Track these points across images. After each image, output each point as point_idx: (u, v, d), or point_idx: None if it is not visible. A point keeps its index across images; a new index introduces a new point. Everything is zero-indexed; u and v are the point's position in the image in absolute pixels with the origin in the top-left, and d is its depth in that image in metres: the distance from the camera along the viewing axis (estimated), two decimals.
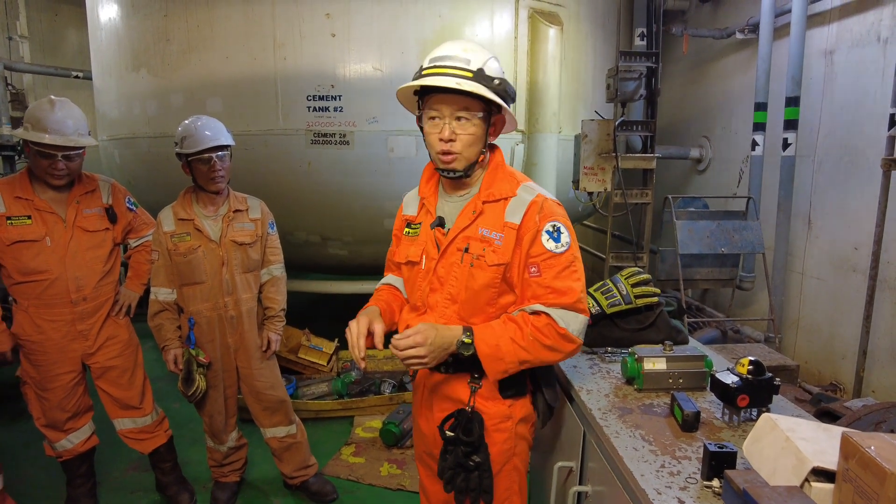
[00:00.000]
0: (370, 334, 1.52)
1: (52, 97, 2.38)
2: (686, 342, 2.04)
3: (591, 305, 2.00)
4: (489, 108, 1.45)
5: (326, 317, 5.55)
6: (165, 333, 2.54)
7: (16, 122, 6.29)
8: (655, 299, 2.03)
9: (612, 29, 4.88)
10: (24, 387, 2.55)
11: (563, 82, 4.12)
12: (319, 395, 3.84)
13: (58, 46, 7.68)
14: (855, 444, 0.97)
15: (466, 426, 1.48)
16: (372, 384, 3.97)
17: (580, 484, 1.63)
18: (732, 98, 4.88)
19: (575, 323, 1.45)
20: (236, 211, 2.57)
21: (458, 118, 1.43)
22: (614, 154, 4.14)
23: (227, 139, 2.47)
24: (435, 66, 1.41)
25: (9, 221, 2.32)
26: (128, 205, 2.66)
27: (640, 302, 2.01)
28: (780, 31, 4.15)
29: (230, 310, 2.56)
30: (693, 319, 4.41)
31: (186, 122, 2.47)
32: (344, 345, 4.33)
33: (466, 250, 1.50)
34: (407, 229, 1.67)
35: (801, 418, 1.33)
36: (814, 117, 3.95)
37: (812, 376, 3.96)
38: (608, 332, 2.02)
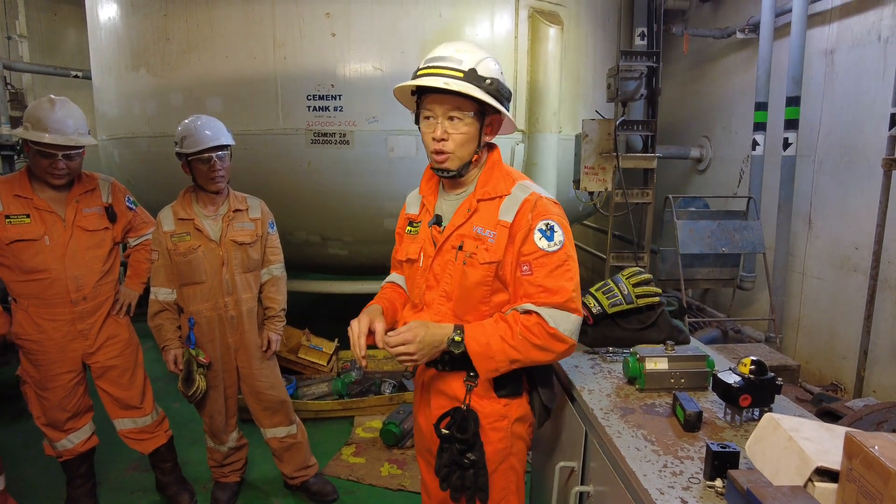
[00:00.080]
0: (371, 333, 1.53)
1: (52, 96, 2.38)
2: (687, 342, 2.03)
3: (592, 305, 2.00)
4: (482, 107, 1.45)
5: (326, 317, 5.54)
6: (165, 333, 2.54)
7: (15, 122, 6.28)
8: (657, 299, 2.02)
9: (613, 28, 4.88)
10: (24, 386, 2.55)
11: (563, 82, 4.12)
12: (320, 395, 3.83)
13: (57, 46, 7.67)
14: (858, 444, 0.97)
15: (461, 424, 1.49)
16: (372, 384, 3.97)
17: (582, 484, 1.62)
18: (732, 98, 4.88)
19: (566, 323, 1.45)
20: (236, 210, 2.57)
21: (451, 118, 1.44)
22: (615, 154, 4.14)
23: (227, 139, 2.47)
24: (428, 67, 1.43)
25: (7, 220, 2.31)
26: (128, 204, 2.66)
27: (642, 302, 2.01)
28: (781, 31, 4.15)
29: (230, 310, 2.56)
30: (694, 319, 4.41)
31: (186, 121, 2.47)
32: (344, 345, 4.33)
33: (460, 248, 1.51)
34: (409, 228, 1.69)
35: (804, 418, 1.32)
36: (814, 117, 3.95)
37: (813, 376, 3.96)
38: (609, 331, 2.01)
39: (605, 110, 4.67)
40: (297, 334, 4.18)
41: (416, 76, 1.45)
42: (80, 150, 2.39)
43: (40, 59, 7.29)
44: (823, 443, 1.12)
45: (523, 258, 1.47)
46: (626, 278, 2.05)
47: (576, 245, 1.66)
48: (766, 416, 1.23)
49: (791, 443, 1.13)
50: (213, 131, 2.44)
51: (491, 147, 1.59)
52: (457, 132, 1.45)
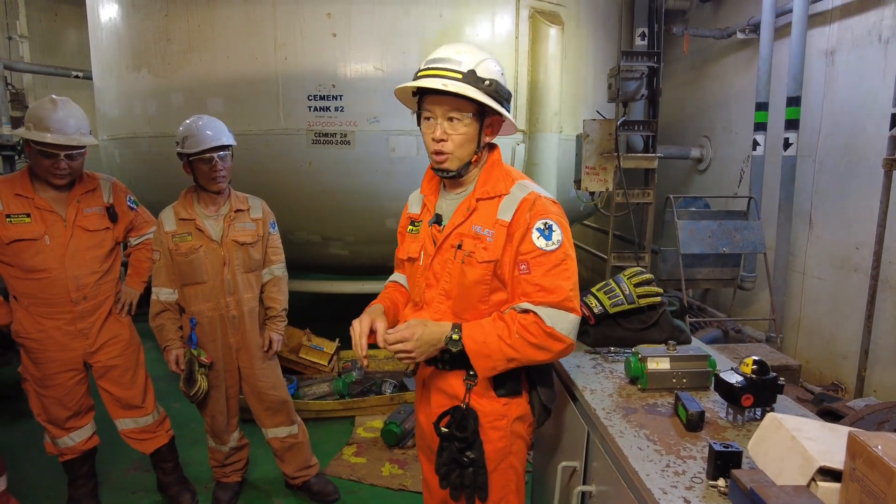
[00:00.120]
0: (373, 332, 1.54)
1: (54, 96, 2.38)
2: (689, 342, 2.04)
3: (594, 305, 2.00)
4: (482, 108, 1.46)
5: (327, 317, 5.54)
6: (167, 334, 2.53)
7: (15, 122, 6.28)
8: (658, 299, 2.03)
9: (613, 29, 4.88)
10: (25, 383, 2.55)
11: (563, 82, 4.12)
12: (321, 395, 3.83)
13: (57, 46, 7.68)
14: (862, 444, 0.97)
15: (461, 423, 1.50)
16: (373, 384, 3.97)
17: (584, 484, 1.62)
18: (733, 98, 4.89)
19: (563, 322, 1.45)
20: (237, 211, 2.57)
21: (450, 119, 1.45)
22: (616, 154, 4.14)
23: (228, 139, 2.47)
24: (428, 68, 1.44)
25: (8, 219, 2.31)
26: (129, 203, 2.66)
27: (643, 301, 2.01)
28: (781, 31, 4.16)
29: (232, 310, 2.56)
30: (694, 319, 4.41)
31: (188, 121, 2.47)
32: (345, 345, 4.34)
33: (459, 247, 1.52)
34: (410, 227, 1.70)
35: (807, 418, 1.32)
36: (815, 117, 3.95)
37: (813, 376, 3.96)
38: (611, 331, 2.02)
39: (605, 110, 4.67)
40: (298, 334, 4.18)
41: (416, 77, 1.46)
42: (82, 150, 2.39)
43: (41, 59, 7.29)
44: (826, 443, 1.12)
45: (521, 257, 1.47)
46: (628, 278, 2.05)
47: (576, 245, 1.67)
48: (769, 415, 1.23)
49: (794, 442, 1.13)
50: (215, 131, 2.44)
51: (492, 147, 1.60)
52: (456, 133, 1.46)
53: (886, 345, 3.37)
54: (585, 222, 6.53)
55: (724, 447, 1.20)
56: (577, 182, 4.36)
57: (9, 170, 5.86)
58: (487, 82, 1.43)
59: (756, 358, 1.50)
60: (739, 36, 4.51)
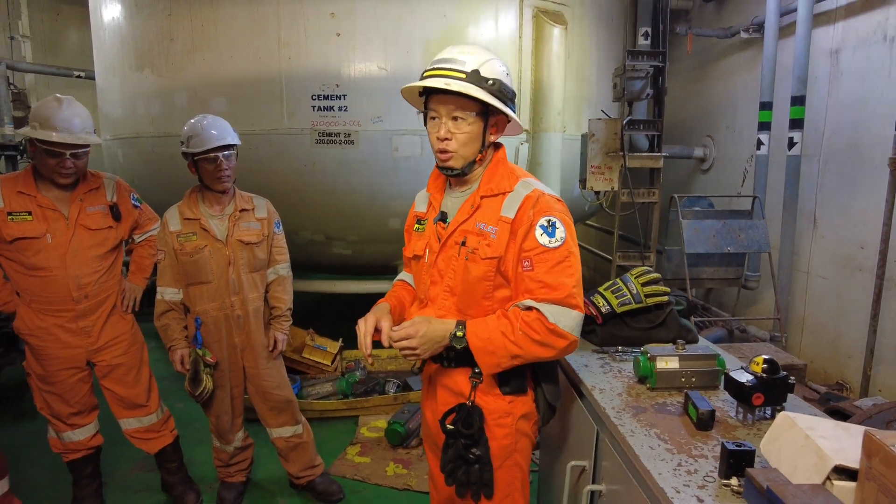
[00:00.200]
0: (378, 331, 1.56)
1: (59, 95, 2.37)
2: (696, 341, 2.03)
3: (601, 304, 2.00)
4: (486, 107, 1.47)
5: (331, 316, 5.53)
6: (172, 333, 2.53)
7: (17, 122, 6.28)
8: (665, 298, 2.03)
9: (616, 28, 4.87)
10: (30, 378, 2.55)
11: (567, 81, 4.11)
12: (324, 394, 3.83)
13: (59, 46, 7.68)
14: (878, 443, 0.96)
15: (466, 420, 1.50)
16: (376, 384, 3.96)
17: (594, 483, 1.62)
18: (736, 97, 4.88)
19: (566, 319, 1.45)
20: (242, 210, 2.56)
21: (455, 118, 1.47)
22: (621, 153, 4.14)
23: (233, 138, 2.46)
24: (433, 68, 1.47)
25: (9, 217, 2.31)
26: (133, 201, 2.66)
27: (651, 301, 2.01)
28: (785, 31, 4.15)
29: (237, 309, 2.56)
30: (699, 319, 4.41)
31: (192, 121, 2.47)
32: (348, 345, 4.33)
33: (463, 244, 1.53)
34: (417, 225, 1.72)
35: (819, 417, 1.32)
36: (819, 116, 3.94)
37: (818, 376, 3.95)
38: (619, 331, 2.01)
39: (608, 110, 4.67)
40: (302, 334, 4.18)
41: (422, 77, 1.48)
42: (87, 149, 2.39)
43: (43, 59, 7.29)
44: (840, 441, 1.12)
45: (524, 254, 1.48)
46: (635, 277, 2.05)
47: (579, 245, 1.68)
48: (782, 414, 1.23)
49: (808, 441, 1.13)
50: (219, 131, 2.44)
51: (497, 146, 1.61)
52: (460, 132, 1.47)
53: (892, 344, 3.37)
54: (588, 222, 6.52)
55: (736, 446, 1.19)
56: (583, 181, 4.36)
57: (11, 170, 5.87)
58: (491, 82, 1.44)
59: (766, 357, 1.50)
60: (743, 35, 4.50)
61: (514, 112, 1.52)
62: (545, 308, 1.44)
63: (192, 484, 2.86)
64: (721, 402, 1.60)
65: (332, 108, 3.71)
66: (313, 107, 3.71)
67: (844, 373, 3.76)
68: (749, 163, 4.66)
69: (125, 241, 2.71)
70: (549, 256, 1.46)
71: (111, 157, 4.81)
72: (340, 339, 4.26)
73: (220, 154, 2.40)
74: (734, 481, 1.18)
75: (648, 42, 4.74)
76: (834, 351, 3.86)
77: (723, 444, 1.21)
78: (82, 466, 2.66)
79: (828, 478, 1.05)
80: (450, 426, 1.52)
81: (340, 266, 4.61)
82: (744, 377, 1.48)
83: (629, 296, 2.00)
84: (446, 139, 1.48)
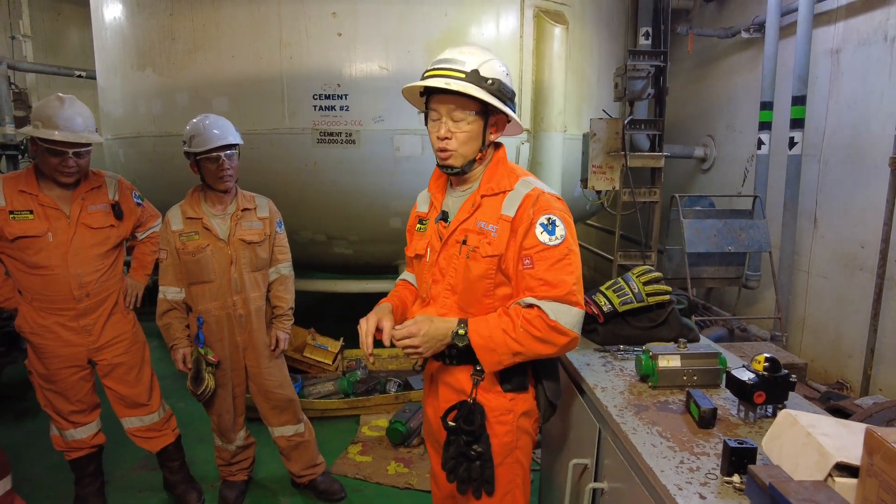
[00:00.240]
0: (379, 331, 1.58)
1: (60, 94, 2.38)
2: (697, 340, 2.04)
3: (603, 303, 2.01)
4: (485, 107, 1.49)
5: (332, 316, 5.54)
6: (174, 332, 2.54)
7: (19, 122, 6.29)
8: (667, 297, 2.03)
9: (616, 28, 4.88)
10: (32, 376, 2.56)
11: (568, 81, 4.11)
12: (325, 394, 3.83)
13: (60, 46, 7.69)
14: (880, 440, 0.97)
15: (468, 416, 1.52)
16: (377, 383, 3.97)
17: (596, 481, 1.62)
18: (737, 97, 4.89)
19: (567, 316, 1.46)
20: (244, 210, 2.57)
21: (455, 117, 1.49)
22: (623, 153, 4.15)
23: (235, 138, 2.47)
24: (433, 69, 1.49)
25: (11, 216, 2.32)
26: (135, 199, 2.67)
27: (652, 300, 2.01)
28: (786, 30, 4.15)
29: (239, 308, 2.56)
30: (700, 318, 4.42)
31: (195, 120, 2.47)
32: (349, 344, 4.34)
33: (464, 242, 1.55)
34: (418, 225, 1.73)
35: (821, 415, 1.32)
36: (820, 116, 3.95)
37: (818, 375, 3.96)
38: (620, 330, 2.02)
39: (609, 109, 4.68)
40: (303, 333, 4.18)
41: (423, 78, 1.50)
42: (89, 148, 2.40)
43: (44, 58, 7.30)
44: (842, 439, 1.13)
45: (525, 252, 1.49)
46: (637, 276, 2.06)
47: (580, 245, 1.70)
48: (784, 412, 1.23)
49: (809, 439, 1.13)
50: (222, 130, 2.44)
51: (497, 146, 1.63)
52: (459, 131, 1.49)
53: (892, 343, 3.37)
54: (588, 222, 6.53)
55: (738, 443, 1.20)
56: (584, 181, 4.36)
57: (12, 169, 5.87)
58: (490, 81, 1.46)
59: (768, 355, 1.50)
60: (744, 35, 4.51)
61: (514, 112, 1.54)
62: (546, 305, 1.45)
63: (193, 483, 2.87)
64: (722, 401, 1.61)
65: (333, 108, 3.71)
66: (314, 106, 3.71)
67: (845, 372, 3.76)
68: (749, 163, 4.66)
69: (126, 240, 2.71)
70: (549, 254, 1.47)
71: (112, 157, 4.81)
72: (341, 339, 4.27)
73: (222, 153, 2.41)
74: (736, 478, 1.18)
75: (649, 42, 4.75)
76: (834, 350, 3.87)
77: (725, 441, 1.21)
78: (85, 465, 2.67)
79: (829, 475, 1.06)
80: (451, 423, 1.53)
81: (341, 265, 4.62)
82: (745, 375, 1.48)
83: (631, 295, 2.01)
84: (446, 138, 1.50)
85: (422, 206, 1.76)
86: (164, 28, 3.98)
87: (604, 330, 2.02)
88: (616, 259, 4.55)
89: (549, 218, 1.49)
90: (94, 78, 5.09)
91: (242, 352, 2.62)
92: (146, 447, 2.74)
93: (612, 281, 2.09)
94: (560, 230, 1.48)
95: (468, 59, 1.47)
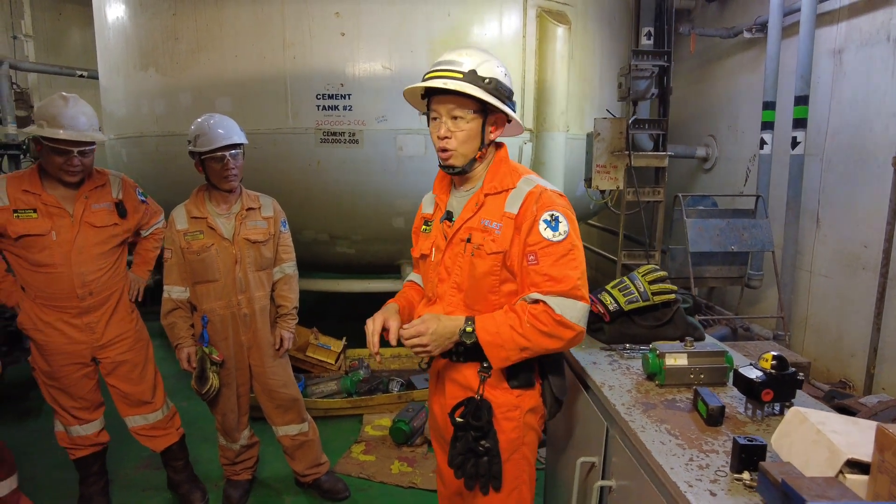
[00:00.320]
0: (386, 330, 1.60)
1: (64, 94, 2.38)
2: (703, 339, 2.04)
3: (609, 302, 2.01)
4: (484, 106, 1.52)
5: (334, 315, 5.55)
6: (178, 332, 2.54)
7: (21, 121, 6.29)
8: (672, 296, 2.03)
9: (619, 28, 4.88)
10: (35, 373, 2.56)
11: (570, 81, 4.12)
12: (328, 393, 3.84)
13: (62, 45, 7.70)
14: (891, 436, 0.97)
15: (475, 413, 1.53)
16: (380, 382, 3.97)
17: (603, 479, 1.63)
18: (738, 97, 4.89)
19: (572, 310, 1.48)
20: (249, 209, 2.57)
21: (454, 117, 1.52)
22: (627, 152, 4.15)
23: (240, 137, 2.47)
24: (433, 70, 1.52)
25: (15, 214, 2.32)
26: (139, 197, 2.67)
27: (658, 299, 2.02)
28: (789, 30, 4.16)
29: (243, 308, 2.56)
30: (703, 317, 4.42)
31: (199, 120, 2.48)
32: (352, 343, 4.34)
33: (469, 240, 1.57)
34: (424, 226, 1.76)
35: (830, 412, 1.33)
36: (822, 116, 3.95)
37: (821, 374, 3.96)
38: (626, 328, 2.02)
39: (612, 109, 4.68)
40: (306, 333, 4.19)
41: (423, 80, 1.53)
42: (93, 147, 2.40)
43: (45, 58, 7.31)
44: (851, 436, 1.13)
45: (529, 248, 1.51)
46: (643, 275, 2.06)
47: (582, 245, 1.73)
48: (793, 409, 1.23)
49: (820, 436, 1.13)
50: (226, 130, 2.45)
51: (498, 145, 1.66)
52: (459, 130, 1.52)
53: (895, 342, 3.37)
54: (590, 222, 6.53)
55: (748, 441, 1.20)
56: (588, 181, 4.37)
57: (14, 169, 5.87)
58: (487, 80, 1.49)
59: (775, 353, 1.51)
60: (746, 35, 4.51)
61: (514, 111, 1.56)
62: (551, 300, 1.47)
63: (197, 482, 2.87)
64: (729, 399, 1.61)
65: (336, 108, 3.71)
66: (318, 106, 3.72)
67: (847, 371, 3.76)
68: (751, 162, 4.67)
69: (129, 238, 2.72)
70: (553, 250, 1.49)
71: (115, 157, 4.81)
72: (344, 338, 4.27)
73: (227, 153, 2.41)
74: (746, 475, 1.19)
75: (651, 42, 4.75)
76: (837, 349, 3.87)
77: (734, 438, 1.22)
78: (90, 464, 2.67)
79: (840, 471, 1.06)
80: (459, 419, 1.54)
81: (344, 265, 4.62)
82: (753, 373, 1.48)
83: (636, 294, 2.01)
84: (446, 137, 1.52)
85: (427, 207, 1.78)
86: (167, 28, 3.98)
87: (610, 329, 2.02)
88: (620, 259, 4.56)
89: (553, 214, 1.51)
90: (96, 78, 5.09)
91: (247, 351, 2.62)
92: (150, 446, 2.74)
93: (618, 280, 2.10)
94: (563, 226, 1.51)
95: (465, 59, 1.50)
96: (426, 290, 1.73)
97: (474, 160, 1.57)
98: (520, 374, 1.59)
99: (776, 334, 4.08)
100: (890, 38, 3.44)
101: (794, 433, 1.21)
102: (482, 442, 1.52)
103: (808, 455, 1.14)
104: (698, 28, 4.95)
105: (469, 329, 1.51)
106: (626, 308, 2.00)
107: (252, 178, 3.13)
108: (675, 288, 2.04)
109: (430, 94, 1.55)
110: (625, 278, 2.08)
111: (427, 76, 1.52)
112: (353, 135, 3.75)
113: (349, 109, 3.72)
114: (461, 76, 1.47)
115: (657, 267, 2.11)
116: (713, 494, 1.15)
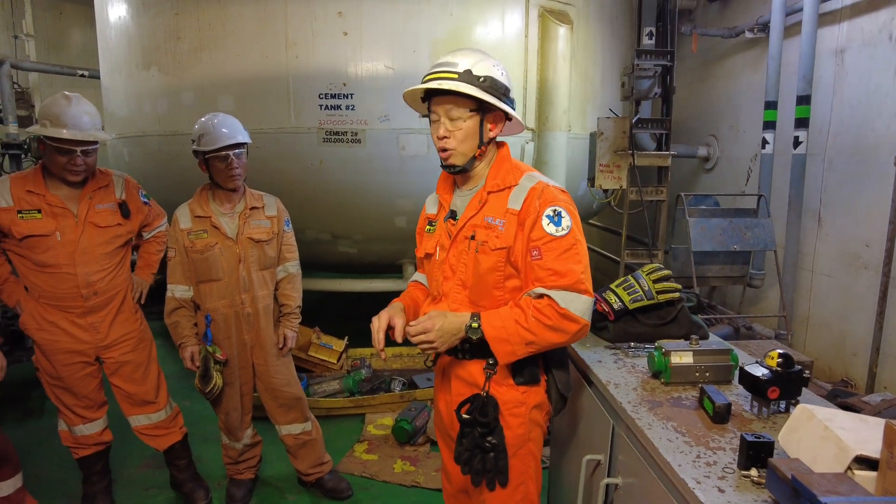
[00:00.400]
0: (391, 328, 1.62)
1: (67, 93, 2.38)
2: (707, 337, 2.05)
3: (613, 301, 2.02)
4: (481, 104, 1.53)
5: (336, 315, 5.55)
6: (182, 331, 2.54)
7: (22, 121, 6.28)
8: (677, 294, 2.04)
9: (621, 28, 4.89)
10: (39, 373, 2.56)
11: (572, 81, 4.12)
12: (331, 392, 3.84)
13: (63, 45, 7.70)
14: None
15: (482, 409, 1.54)
16: (382, 382, 3.97)
17: (609, 476, 1.63)
18: (740, 97, 4.90)
19: (576, 303, 1.48)
20: (252, 208, 2.57)
21: (452, 116, 1.54)
22: (630, 151, 4.16)
23: (243, 137, 2.47)
24: (430, 73, 1.55)
25: (19, 215, 2.32)
26: (142, 198, 2.67)
27: (662, 297, 2.02)
28: (790, 30, 4.17)
29: (247, 307, 2.56)
30: (705, 316, 4.42)
31: (203, 119, 2.47)
32: (354, 343, 4.34)
33: (473, 237, 1.59)
34: (428, 227, 1.78)
35: (836, 409, 1.33)
36: (824, 116, 3.96)
37: (822, 373, 3.97)
38: (630, 327, 2.03)
39: (614, 109, 4.69)
40: (308, 332, 4.18)
41: (421, 83, 1.55)
42: (96, 146, 2.40)
43: (46, 58, 7.31)
44: (859, 432, 1.13)
45: (532, 243, 1.52)
46: (647, 274, 2.07)
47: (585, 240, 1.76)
48: (800, 406, 1.24)
49: (828, 432, 1.14)
50: (231, 129, 2.45)
51: (500, 144, 1.67)
52: (457, 129, 1.54)
53: None
54: (591, 221, 6.53)
55: (755, 437, 1.20)
56: (591, 180, 4.37)
57: (15, 169, 5.86)
58: (482, 78, 1.51)
59: (781, 351, 1.51)
60: (748, 35, 4.52)
61: (513, 108, 1.58)
62: (556, 294, 1.48)
63: (201, 481, 2.87)
64: (735, 397, 1.61)
65: (339, 107, 3.72)
66: (320, 105, 3.72)
67: (849, 370, 3.77)
68: (753, 162, 4.67)
69: (132, 239, 2.72)
70: (556, 245, 1.51)
71: (117, 156, 4.81)
72: (346, 338, 4.27)
73: (230, 152, 2.41)
74: (754, 472, 1.19)
75: (653, 42, 4.76)
76: (838, 348, 3.87)
77: (742, 435, 1.22)
78: (93, 463, 2.67)
79: (848, 467, 1.07)
80: (466, 416, 1.55)
81: (346, 264, 4.62)
82: (759, 371, 1.49)
83: (641, 292, 2.01)
84: (445, 137, 1.54)
85: (430, 208, 1.80)
86: (169, 27, 3.98)
87: (614, 327, 2.02)
88: (623, 258, 4.56)
89: (555, 209, 1.52)
90: (97, 77, 5.09)
91: (250, 350, 2.62)
92: (153, 445, 2.73)
93: (623, 279, 2.10)
94: (566, 221, 1.52)
95: (461, 60, 1.52)
96: (431, 288, 1.74)
97: (474, 158, 1.58)
98: (525, 370, 1.60)
99: (778, 333, 4.09)
100: (892, 38, 3.44)
101: (802, 430, 1.21)
102: (489, 438, 1.54)
103: (816, 451, 1.14)
104: (700, 28, 4.96)
105: (475, 325, 1.52)
106: (631, 307, 2.01)
107: (254, 178, 3.13)
108: (679, 287, 2.05)
109: (430, 96, 1.58)
110: (629, 277, 2.09)
111: (425, 79, 1.55)
112: (356, 134, 3.76)
113: (352, 109, 3.72)
114: (456, 76, 1.50)
115: (661, 266, 2.11)
116: (721, 491, 1.15)
